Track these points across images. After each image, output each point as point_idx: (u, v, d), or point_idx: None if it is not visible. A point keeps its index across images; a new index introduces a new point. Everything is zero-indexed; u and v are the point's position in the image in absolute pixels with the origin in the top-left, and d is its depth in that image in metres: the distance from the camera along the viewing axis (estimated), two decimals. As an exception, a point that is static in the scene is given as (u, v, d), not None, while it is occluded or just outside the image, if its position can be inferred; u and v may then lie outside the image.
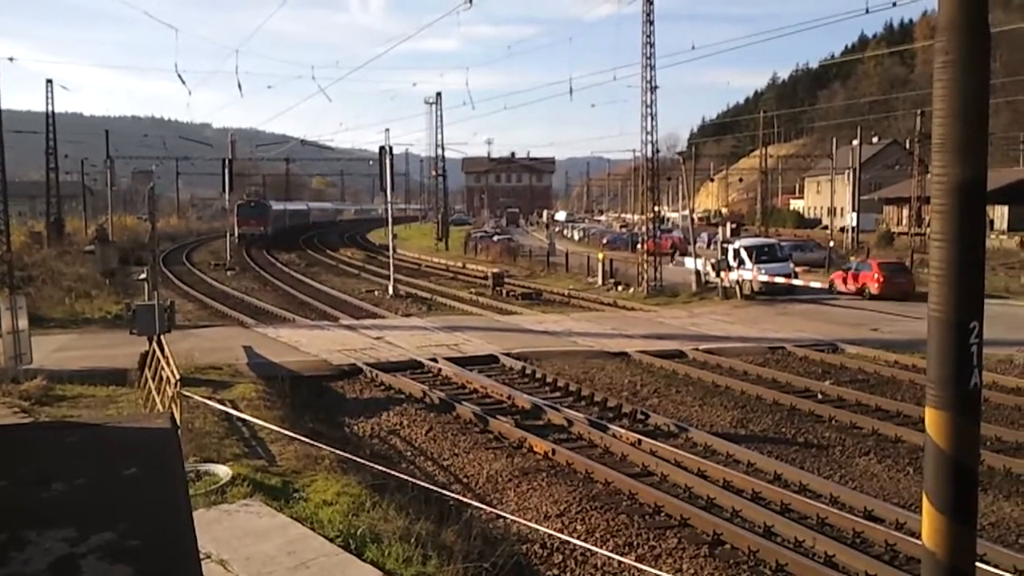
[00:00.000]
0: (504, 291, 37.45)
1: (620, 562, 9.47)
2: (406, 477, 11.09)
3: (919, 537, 4.05)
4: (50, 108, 57.55)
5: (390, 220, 42.79)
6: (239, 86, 69.71)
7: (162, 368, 14.25)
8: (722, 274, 33.87)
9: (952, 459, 3.81)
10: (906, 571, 9.13)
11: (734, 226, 62.85)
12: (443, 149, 72.39)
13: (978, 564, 6.63)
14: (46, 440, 3.16)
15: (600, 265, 40.76)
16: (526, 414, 16.01)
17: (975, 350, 3.79)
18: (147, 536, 2.45)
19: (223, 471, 11.11)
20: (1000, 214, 62.63)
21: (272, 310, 31.80)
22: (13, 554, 2.34)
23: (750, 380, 18.81)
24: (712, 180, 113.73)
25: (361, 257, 60.51)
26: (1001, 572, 8.81)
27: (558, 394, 17.84)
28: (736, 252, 34.34)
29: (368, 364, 19.93)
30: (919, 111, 51.46)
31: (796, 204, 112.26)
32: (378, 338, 23.68)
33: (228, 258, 53.56)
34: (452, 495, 11.21)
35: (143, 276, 19.57)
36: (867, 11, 26.73)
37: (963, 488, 3.86)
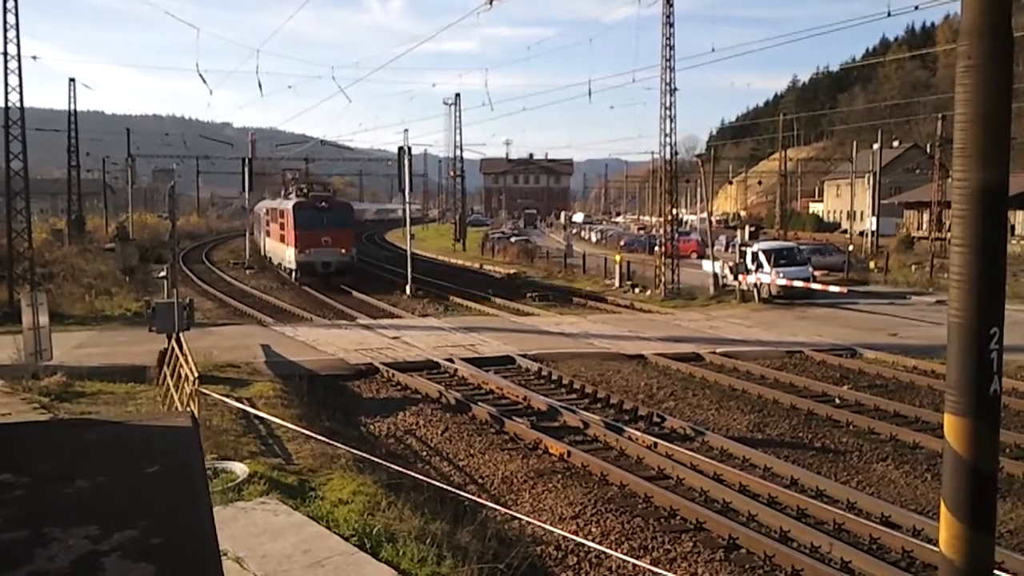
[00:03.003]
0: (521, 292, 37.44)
1: (635, 565, 9.45)
2: (422, 477, 11.11)
3: (937, 544, 4.03)
4: (72, 106, 58.09)
5: (408, 220, 42.92)
6: (259, 86, 69.84)
7: (180, 365, 14.35)
8: (740, 277, 33.77)
9: (971, 466, 3.80)
10: (923, 578, 9.08)
11: (752, 229, 62.57)
12: (461, 150, 72.60)
13: (996, 572, 6.59)
14: (69, 438, 3.19)
15: (617, 267, 40.70)
16: (542, 415, 16.01)
17: (995, 356, 3.78)
18: (169, 534, 2.48)
19: (240, 469, 11.17)
20: (1022, 219, 62.08)
21: (290, 309, 31.93)
22: (37, 551, 2.37)
23: (767, 384, 18.73)
24: (731, 183, 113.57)
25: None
26: (1020, 580, 8.72)
27: (574, 396, 17.83)
28: (754, 255, 34.22)
29: (385, 364, 19.99)
30: (940, 115, 51.19)
31: (815, 208, 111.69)
32: (395, 338, 23.75)
33: (247, 257, 53.82)
34: (467, 495, 11.22)
35: (163, 274, 19.69)
36: (889, 14, 26.58)
37: (982, 495, 3.84)
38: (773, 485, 11.91)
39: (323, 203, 40.45)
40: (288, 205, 40.75)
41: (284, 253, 41.56)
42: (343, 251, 39.21)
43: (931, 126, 69.37)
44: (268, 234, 48.24)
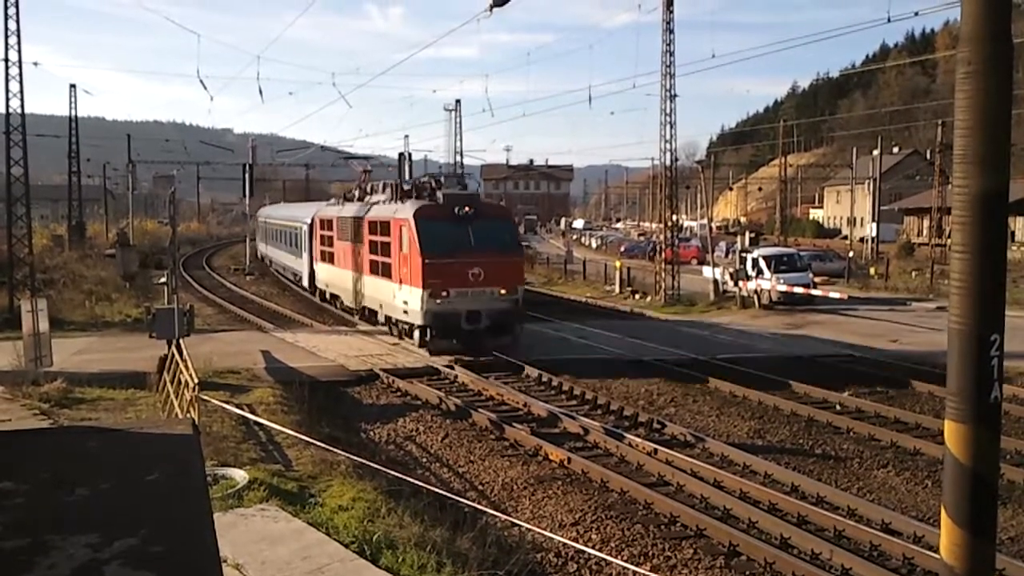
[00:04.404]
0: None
1: (635, 572, 9.42)
2: (421, 483, 11.10)
3: (937, 551, 4.02)
4: (73, 112, 58.13)
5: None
6: (260, 92, 69.88)
7: (180, 372, 14.34)
8: (740, 283, 33.77)
9: (971, 472, 3.79)
10: (924, 585, 9.05)
11: (752, 235, 62.50)
12: (462, 156, 72.58)
13: (997, 579, 6.57)
14: (69, 445, 3.19)
15: (617, 273, 40.74)
16: (542, 422, 15.98)
17: (996, 363, 3.78)
18: (169, 542, 2.47)
19: (240, 475, 11.15)
20: (1022, 225, 62.08)
21: (290, 315, 31.92)
22: (38, 559, 2.36)
23: (767, 390, 18.71)
24: (731, 189, 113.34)
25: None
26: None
27: (574, 402, 17.81)
28: (755, 261, 34.23)
29: (385, 370, 19.97)
30: (940, 121, 51.23)
31: (815, 214, 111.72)
32: (395, 344, 23.71)
33: (247, 263, 53.82)
34: (467, 502, 11.19)
35: (163, 280, 19.71)
36: (888, 20, 26.92)
37: (982, 501, 3.84)
38: (773, 492, 11.89)
39: (467, 208, 22.39)
40: (405, 212, 22.72)
41: (390, 295, 23.80)
42: (503, 291, 21.95)
43: (931, 132, 69.44)
44: (328, 258, 31.45)
